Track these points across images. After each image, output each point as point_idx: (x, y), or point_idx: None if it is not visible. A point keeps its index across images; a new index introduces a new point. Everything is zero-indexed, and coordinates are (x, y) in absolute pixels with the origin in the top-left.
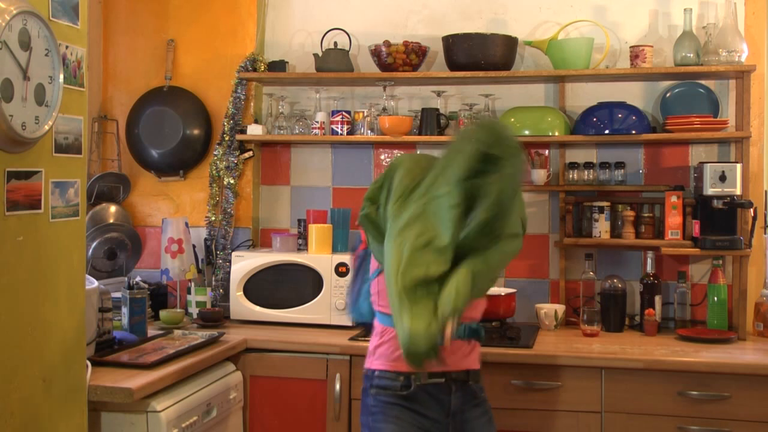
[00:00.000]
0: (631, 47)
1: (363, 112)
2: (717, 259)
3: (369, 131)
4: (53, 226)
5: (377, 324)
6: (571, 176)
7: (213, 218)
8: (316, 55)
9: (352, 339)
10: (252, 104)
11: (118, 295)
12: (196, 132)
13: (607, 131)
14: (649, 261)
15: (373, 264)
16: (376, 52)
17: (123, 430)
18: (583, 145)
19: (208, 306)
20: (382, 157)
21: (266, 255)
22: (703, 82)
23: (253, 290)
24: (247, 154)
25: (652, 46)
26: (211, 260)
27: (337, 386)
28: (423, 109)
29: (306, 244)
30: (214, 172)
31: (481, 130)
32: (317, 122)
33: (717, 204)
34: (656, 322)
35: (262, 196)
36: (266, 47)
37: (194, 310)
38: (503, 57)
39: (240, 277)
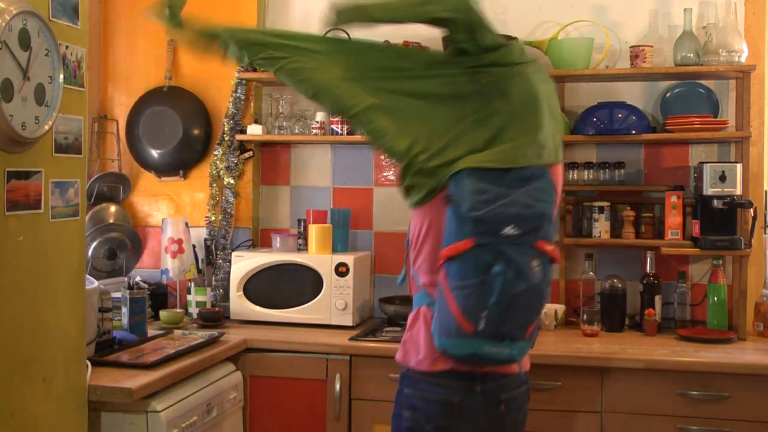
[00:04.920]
0: (631, 47)
1: None
2: (717, 259)
3: None
4: (53, 226)
5: None
6: (571, 176)
7: (213, 218)
8: None
9: (352, 339)
10: (252, 104)
11: (118, 295)
12: (196, 132)
13: (607, 131)
14: (649, 261)
15: None
16: None
17: (123, 430)
18: (582, 145)
19: (208, 306)
20: (382, 157)
21: (266, 255)
22: (703, 82)
23: (253, 290)
24: (247, 154)
25: (652, 46)
26: (211, 260)
27: (337, 386)
28: None
29: (306, 244)
30: (214, 172)
31: None
32: (317, 122)
33: (717, 204)
34: (656, 322)
35: (262, 196)
36: None
37: (194, 310)
38: None
39: (240, 277)
